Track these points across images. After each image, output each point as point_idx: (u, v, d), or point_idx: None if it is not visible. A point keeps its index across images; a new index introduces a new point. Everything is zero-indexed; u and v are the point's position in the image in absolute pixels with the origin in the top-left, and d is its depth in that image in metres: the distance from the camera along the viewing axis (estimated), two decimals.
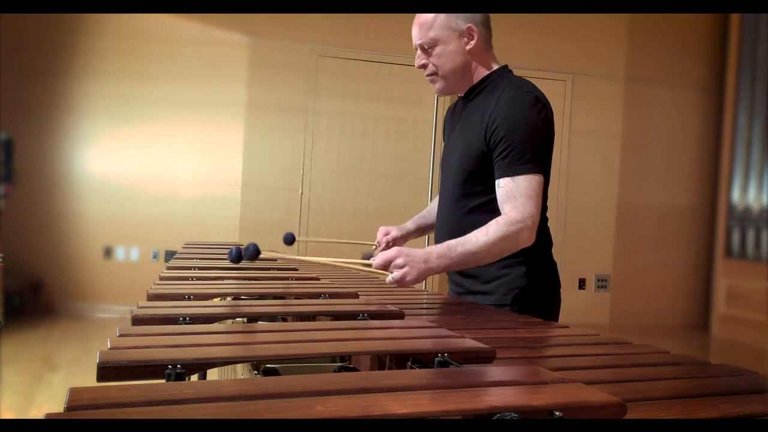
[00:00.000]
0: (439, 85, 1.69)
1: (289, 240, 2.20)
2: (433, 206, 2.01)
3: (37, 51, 5.11)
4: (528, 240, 1.53)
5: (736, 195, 5.84)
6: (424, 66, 1.68)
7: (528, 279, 1.62)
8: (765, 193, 5.62)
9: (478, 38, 1.64)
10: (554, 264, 1.72)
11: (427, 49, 1.65)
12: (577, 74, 5.82)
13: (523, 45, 5.54)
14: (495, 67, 1.70)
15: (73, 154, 5.22)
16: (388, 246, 1.95)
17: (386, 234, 1.98)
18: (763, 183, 5.63)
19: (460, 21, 1.62)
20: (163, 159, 5.28)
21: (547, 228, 1.69)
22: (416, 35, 1.66)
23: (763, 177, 5.64)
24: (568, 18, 5.69)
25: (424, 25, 1.64)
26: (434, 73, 1.67)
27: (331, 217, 5.43)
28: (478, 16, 1.65)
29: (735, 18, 5.95)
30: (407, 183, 5.54)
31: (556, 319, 1.68)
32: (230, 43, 5.32)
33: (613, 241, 5.92)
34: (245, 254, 1.39)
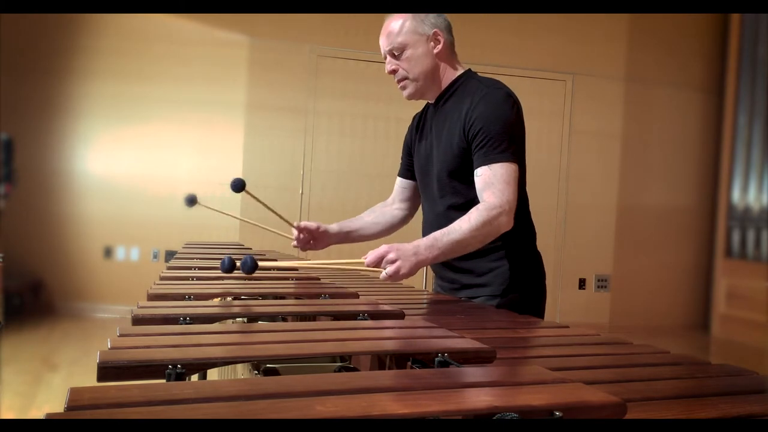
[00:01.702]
0: (410, 89, 1.76)
1: (238, 186, 1.95)
2: (364, 215, 2.05)
3: (36, 51, 5.10)
4: (507, 224, 1.58)
5: (736, 195, 5.83)
6: (394, 71, 1.74)
7: (518, 269, 1.70)
8: (765, 193, 5.62)
9: (444, 42, 1.72)
10: (539, 254, 1.79)
11: (396, 54, 1.72)
12: (577, 74, 5.81)
13: (523, 44, 5.54)
14: (461, 70, 1.77)
15: (73, 154, 5.22)
16: (300, 232, 1.93)
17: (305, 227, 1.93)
18: (763, 183, 5.63)
19: (426, 26, 1.70)
20: (163, 159, 5.28)
21: (531, 219, 1.75)
22: (384, 43, 1.73)
23: (763, 177, 5.64)
24: (568, 18, 5.69)
25: (392, 32, 1.71)
26: (405, 78, 1.74)
27: (331, 217, 5.36)
28: (441, 23, 1.72)
29: (735, 18, 5.94)
30: None
31: (544, 306, 1.76)
32: (230, 43, 5.32)
33: (613, 241, 5.91)
34: (243, 268, 1.40)
